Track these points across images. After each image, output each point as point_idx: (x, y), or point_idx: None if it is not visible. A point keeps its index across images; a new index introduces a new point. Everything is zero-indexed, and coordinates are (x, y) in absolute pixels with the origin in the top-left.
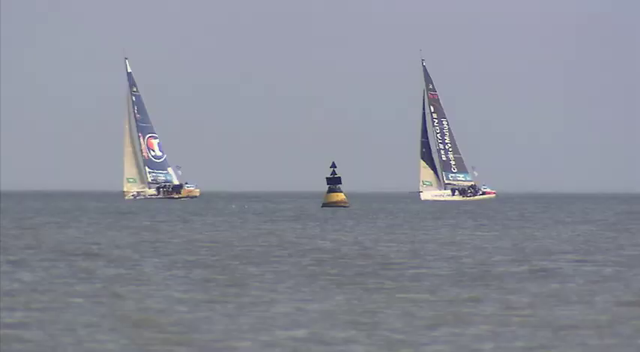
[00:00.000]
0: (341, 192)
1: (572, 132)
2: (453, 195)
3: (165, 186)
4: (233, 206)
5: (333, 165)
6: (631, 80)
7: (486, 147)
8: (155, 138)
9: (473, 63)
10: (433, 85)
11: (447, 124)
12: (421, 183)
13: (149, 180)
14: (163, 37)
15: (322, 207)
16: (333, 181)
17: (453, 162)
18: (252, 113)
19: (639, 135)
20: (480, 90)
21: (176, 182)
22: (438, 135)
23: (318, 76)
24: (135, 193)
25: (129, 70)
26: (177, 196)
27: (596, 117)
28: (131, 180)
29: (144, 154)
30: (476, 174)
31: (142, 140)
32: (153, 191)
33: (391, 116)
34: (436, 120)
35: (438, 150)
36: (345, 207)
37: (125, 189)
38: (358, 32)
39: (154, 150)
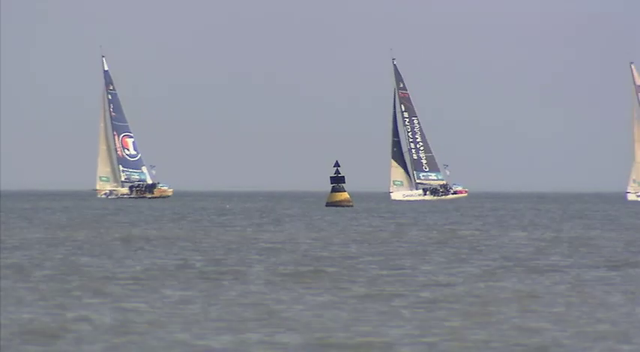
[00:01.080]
0: (345, 191)
1: (572, 131)
2: (425, 194)
3: (138, 185)
4: (227, 206)
5: (337, 165)
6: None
7: (476, 146)
8: (130, 137)
9: (472, 63)
10: (404, 84)
11: (418, 123)
12: (392, 183)
13: (122, 178)
14: (147, 35)
15: (326, 206)
16: (337, 180)
17: (424, 161)
18: (240, 114)
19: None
20: (480, 91)
21: (150, 181)
22: (409, 134)
23: (318, 75)
24: (107, 192)
25: (106, 68)
26: (149, 196)
27: (596, 117)
28: (104, 178)
29: (118, 153)
30: (448, 173)
31: (116, 138)
32: (126, 190)
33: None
34: (407, 119)
35: (409, 150)
36: (349, 206)
37: (98, 188)
38: (358, 32)
39: (128, 149)
